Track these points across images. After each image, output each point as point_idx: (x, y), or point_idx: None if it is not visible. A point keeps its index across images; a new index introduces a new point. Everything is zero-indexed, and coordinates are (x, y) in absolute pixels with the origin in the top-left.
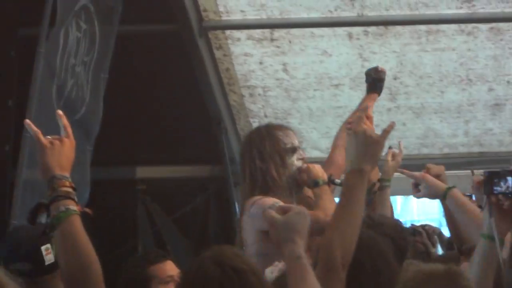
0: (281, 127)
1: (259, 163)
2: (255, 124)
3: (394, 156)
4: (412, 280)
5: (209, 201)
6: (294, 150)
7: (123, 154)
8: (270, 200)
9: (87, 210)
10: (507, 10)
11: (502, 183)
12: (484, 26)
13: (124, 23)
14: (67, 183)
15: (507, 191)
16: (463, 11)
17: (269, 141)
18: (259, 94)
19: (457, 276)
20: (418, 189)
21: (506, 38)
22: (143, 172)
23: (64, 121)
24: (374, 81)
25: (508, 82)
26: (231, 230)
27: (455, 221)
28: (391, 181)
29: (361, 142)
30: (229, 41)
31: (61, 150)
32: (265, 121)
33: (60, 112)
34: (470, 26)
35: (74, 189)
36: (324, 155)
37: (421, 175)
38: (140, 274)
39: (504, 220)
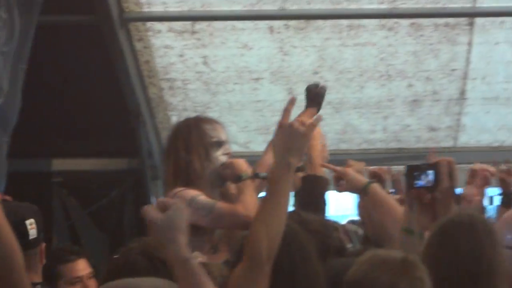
0: (210, 121)
1: (184, 154)
2: (173, 118)
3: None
4: (366, 263)
5: (125, 194)
6: (220, 144)
7: (39, 146)
8: (192, 192)
9: (7, 197)
10: (428, 5)
11: (422, 177)
12: (405, 22)
13: (44, 14)
14: None
15: (428, 185)
16: (385, 6)
17: (195, 133)
18: (178, 87)
19: (412, 266)
20: (340, 183)
21: (426, 34)
22: (60, 164)
23: None
24: (314, 96)
25: (427, 78)
26: (146, 224)
27: (373, 216)
28: None
29: (288, 135)
30: (150, 33)
31: None
32: (184, 114)
33: None
34: (391, 22)
35: None
36: (243, 149)
37: (343, 169)
38: (48, 272)
39: (425, 213)
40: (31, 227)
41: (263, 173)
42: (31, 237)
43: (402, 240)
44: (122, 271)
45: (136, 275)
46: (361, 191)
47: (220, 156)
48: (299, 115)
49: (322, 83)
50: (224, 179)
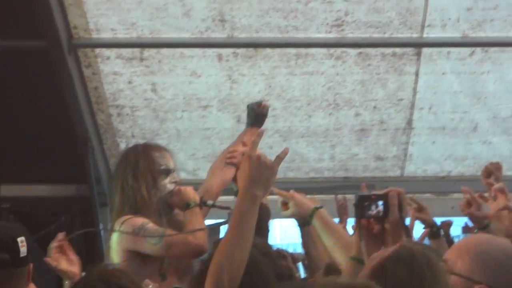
0: (159, 148)
1: (131, 181)
2: (122, 144)
3: None
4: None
5: (74, 221)
6: (168, 172)
7: None
8: (140, 220)
9: None
10: (375, 35)
11: (372, 207)
12: (352, 51)
13: None
14: None
15: (378, 215)
16: (332, 35)
17: (144, 160)
18: (127, 114)
19: None
20: (286, 207)
21: (373, 63)
22: (7, 190)
23: None
24: (257, 115)
25: (374, 107)
26: (95, 250)
27: (317, 245)
28: None
29: (255, 167)
30: (99, 59)
31: None
32: (133, 141)
33: None
34: (339, 51)
35: None
36: (191, 176)
37: (289, 193)
38: None
39: (374, 243)
40: (22, 244)
41: (210, 201)
42: (21, 255)
43: (351, 269)
44: None
45: None
46: (308, 215)
47: (167, 183)
48: (242, 133)
49: (264, 101)
50: (171, 207)
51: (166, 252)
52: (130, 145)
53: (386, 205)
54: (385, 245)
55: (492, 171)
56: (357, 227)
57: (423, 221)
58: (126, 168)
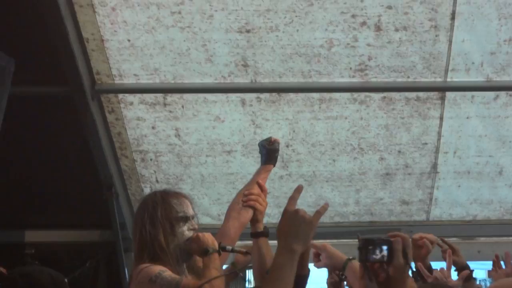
0: (177, 195)
1: (150, 228)
2: (146, 190)
3: None
4: None
5: (98, 266)
6: (186, 219)
7: (12, 217)
8: (157, 268)
9: (1, 269)
10: (399, 79)
11: (377, 251)
12: (376, 95)
13: (17, 84)
14: None
15: (382, 260)
16: (356, 79)
17: (162, 207)
18: (151, 159)
19: None
20: (318, 259)
21: (397, 107)
22: (32, 236)
23: None
24: (269, 152)
25: (399, 151)
26: None
27: None
28: None
29: (293, 222)
30: (122, 105)
31: None
32: (157, 186)
33: None
34: (362, 95)
35: None
36: (215, 221)
37: (322, 245)
38: None
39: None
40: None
41: (229, 246)
42: None
43: None
44: None
45: None
46: (341, 267)
47: (186, 231)
48: (257, 172)
49: (274, 137)
50: (190, 254)
51: None
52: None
53: (390, 250)
54: None
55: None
56: (365, 269)
57: (455, 263)
58: (144, 215)
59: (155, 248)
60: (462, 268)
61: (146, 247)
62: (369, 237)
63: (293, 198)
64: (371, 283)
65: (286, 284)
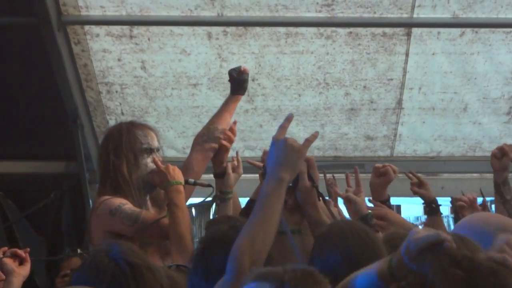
0: (143, 127)
1: (113, 159)
2: (112, 122)
3: (234, 168)
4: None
5: (63, 198)
6: (150, 151)
7: None
8: (118, 201)
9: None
10: (365, 15)
11: None
12: (342, 31)
13: None
14: None
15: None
16: (323, 14)
17: (126, 138)
18: (116, 91)
19: None
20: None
21: (364, 43)
22: None
23: None
24: (238, 81)
25: (364, 87)
26: (84, 228)
27: None
28: None
29: (281, 150)
30: (88, 37)
31: None
32: (122, 118)
33: None
34: (329, 30)
35: None
36: (180, 155)
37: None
38: None
39: (294, 213)
40: None
41: (191, 179)
42: None
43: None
44: (88, 272)
45: (100, 276)
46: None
47: (149, 162)
48: (225, 102)
49: (243, 67)
50: (153, 185)
51: (140, 233)
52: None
53: None
54: (303, 213)
55: (507, 152)
56: None
57: (422, 197)
58: (109, 146)
59: (118, 178)
60: (430, 202)
61: (109, 177)
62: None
63: (282, 127)
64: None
65: (274, 212)
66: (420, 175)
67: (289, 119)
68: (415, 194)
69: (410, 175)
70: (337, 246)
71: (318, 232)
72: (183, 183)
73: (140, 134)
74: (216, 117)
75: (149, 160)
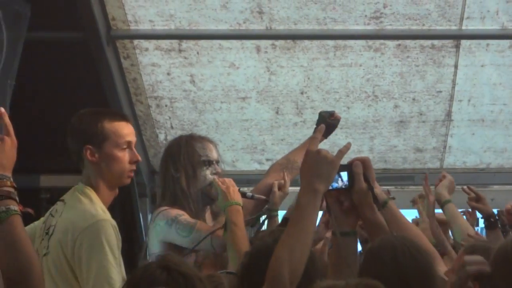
0: (202, 139)
1: (173, 172)
2: (161, 136)
3: (280, 186)
4: None
5: (113, 211)
6: (209, 163)
7: (27, 162)
8: (174, 212)
9: (29, 210)
10: (413, 27)
11: (337, 179)
12: (391, 43)
13: (32, 30)
14: (8, 183)
15: (343, 187)
16: (371, 27)
17: (185, 151)
18: (166, 105)
19: None
20: None
21: (412, 55)
22: (48, 181)
23: (5, 119)
24: (327, 125)
25: (413, 99)
26: (134, 241)
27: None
28: None
29: (315, 162)
30: (137, 51)
31: (2, 149)
32: (171, 132)
33: (2, 110)
34: (377, 43)
35: (15, 188)
36: (229, 168)
37: None
38: None
39: (350, 215)
40: None
41: (249, 193)
42: None
43: (340, 244)
44: (140, 283)
45: (154, 287)
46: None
47: (208, 174)
48: (306, 142)
49: (337, 112)
50: (212, 198)
51: (196, 244)
52: (169, 136)
53: (350, 175)
54: (358, 216)
55: None
56: (326, 200)
57: (480, 211)
58: (168, 160)
59: (177, 191)
60: (488, 216)
61: (168, 189)
62: None
63: (315, 138)
64: (331, 216)
65: (310, 223)
66: (476, 189)
67: (320, 130)
68: (473, 208)
69: (467, 189)
70: (387, 265)
71: (369, 247)
72: (241, 204)
73: (199, 147)
74: (298, 152)
75: (208, 172)
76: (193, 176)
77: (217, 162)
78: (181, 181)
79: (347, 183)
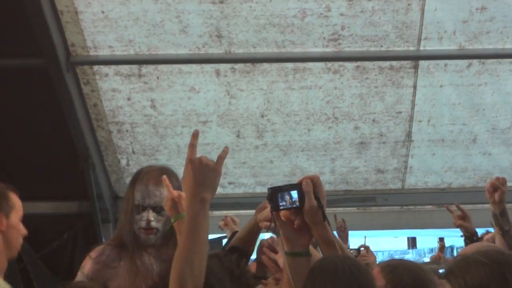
0: (148, 179)
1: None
2: (123, 161)
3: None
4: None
5: (76, 237)
6: (143, 208)
7: None
8: (86, 263)
9: None
10: (372, 49)
11: (286, 198)
12: (350, 65)
13: None
14: None
15: (293, 206)
16: (329, 49)
17: (127, 193)
18: (127, 130)
19: None
20: None
21: (371, 77)
22: None
23: None
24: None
25: (373, 120)
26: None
27: None
28: None
29: (198, 171)
30: (97, 77)
31: None
32: (133, 157)
33: None
34: (336, 65)
35: None
36: None
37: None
38: None
39: (302, 234)
40: None
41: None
42: None
43: (290, 265)
44: None
45: None
46: None
47: (139, 220)
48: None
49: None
50: (141, 246)
51: None
52: (131, 161)
53: (300, 194)
54: (311, 235)
55: (498, 186)
56: (275, 220)
57: (465, 229)
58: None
59: (120, 230)
60: (471, 234)
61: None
62: (277, 185)
63: (192, 146)
64: (278, 236)
65: (203, 233)
66: (462, 208)
67: (195, 135)
68: (458, 227)
69: (451, 208)
70: (327, 283)
71: (311, 266)
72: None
73: (139, 189)
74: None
75: (139, 217)
76: (129, 218)
77: (154, 208)
78: (121, 219)
79: (298, 202)
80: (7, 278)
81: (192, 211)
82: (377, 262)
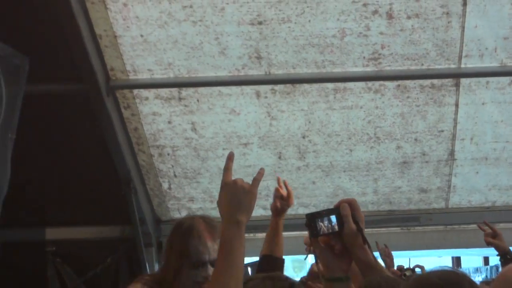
0: (200, 232)
1: (168, 256)
2: (165, 184)
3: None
4: None
5: (119, 262)
6: (202, 264)
7: (32, 215)
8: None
9: None
10: (413, 67)
11: (326, 223)
12: (390, 84)
13: (32, 82)
14: None
15: (334, 230)
16: (370, 68)
17: (178, 247)
18: (168, 154)
19: None
20: None
21: (412, 95)
22: (53, 233)
23: None
24: None
25: (415, 139)
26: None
27: None
28: None
29: (233, 193)
30: (137, 100)
31: None
32: (175, 181)
33: None
34: (377, 84)
35: None
36: None
37: None
38: None
39: (342, 259)
40: None
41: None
42: None
43: None
44: None
45: None
46: None
47: (195, 276)
48: None
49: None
50: None
51: None
52: (173, 185)
53: (339, 218)
54: (351, 259)
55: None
56: (313, 246)
57: (496, 247)
58: (168, 242)
59: (164, 275)
60: (504, 253)
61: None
62: (315, 211)
63: (227, 169)
64: (317, 263)
65: (239, 256)
66: (492, 226)
67: (230, 157)
68: (488, 244)
69: (484, 226)
70: None
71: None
72: None
73: (193, 245)
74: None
75: (196, 273)
76: (180, 273)
77: (211, 262)
78: (169, 270)
79: (336, 227)
80: None
81: (228, 234)
82: None
